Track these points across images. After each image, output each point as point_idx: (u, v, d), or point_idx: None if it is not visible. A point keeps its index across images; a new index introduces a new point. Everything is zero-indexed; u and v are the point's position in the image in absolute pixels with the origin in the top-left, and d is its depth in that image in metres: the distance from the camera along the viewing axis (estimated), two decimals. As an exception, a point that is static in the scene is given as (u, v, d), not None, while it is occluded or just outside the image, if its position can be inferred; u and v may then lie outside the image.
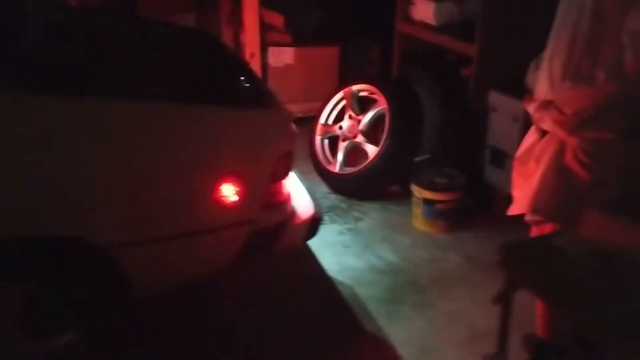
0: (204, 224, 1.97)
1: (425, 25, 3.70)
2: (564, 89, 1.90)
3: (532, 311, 2.08)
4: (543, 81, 2.03)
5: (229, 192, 1.93)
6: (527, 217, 2.10)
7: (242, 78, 2.22)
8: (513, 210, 2.20)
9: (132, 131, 1.78)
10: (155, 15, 4.06)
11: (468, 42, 3.36)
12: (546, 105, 1.98)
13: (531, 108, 2.11)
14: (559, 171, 1.96)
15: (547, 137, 2.04)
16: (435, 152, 3.37)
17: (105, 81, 1.85)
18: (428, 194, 3.13)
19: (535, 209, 2.00)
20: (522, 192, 2.16)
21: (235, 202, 1.95)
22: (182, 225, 1.93)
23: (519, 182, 2.26)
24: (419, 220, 3.21)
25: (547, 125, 2.01)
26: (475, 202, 3.31)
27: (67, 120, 1.70)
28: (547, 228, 2.06)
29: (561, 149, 1.96)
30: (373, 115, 3.50)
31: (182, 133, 1.85)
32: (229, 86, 2.13)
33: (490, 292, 1.92)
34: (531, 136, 2.22)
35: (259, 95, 2.13)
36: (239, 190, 1.94)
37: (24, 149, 1.64)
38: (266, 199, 2.05)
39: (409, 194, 3.27)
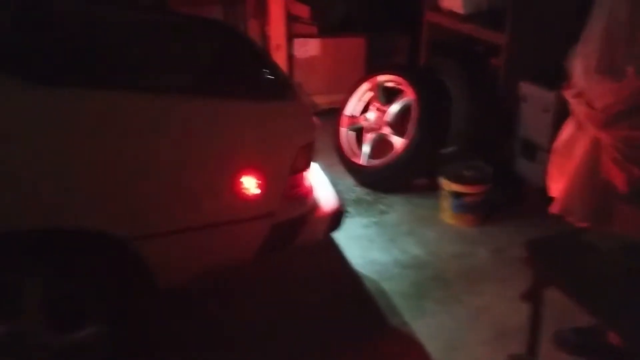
0: (225, 217, 1.95)
1: (453, 14, 3.61)
2: (594, 81, 1.81)
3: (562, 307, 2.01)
4: (578, 69, 1.94)
5: (249, 184, 1.91)
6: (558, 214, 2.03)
7: (264, 70, 2.19)
8: (555, 207, 2.11)
9: (153, 124, 1.77)
10: (183, 7, 4.07)
11: (497, 30, 3.27)
12: (579, 96, 1.89)
13: (569, 95, 2.02)
14: (592, 170, 1.87)
15: (581, 131, 1.95)
16: (463, 144, 3.29)
17: (125, 74, 1.85)
18: (456, 187, 3.06)
19: (566, 210, 1.92)
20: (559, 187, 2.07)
21: (256, 194, 1.93)
22: (202, 218, 1.92)
23: (555, 175, 2.18)
24: (446, 213, 3.15)
25: (580, 117, 1.93)
26: (504, 195, 3.23)
27: (88, 112, 1.70)
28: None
29: (595, 145, 1.87)
30: (400, 107, 3.44)
31: (203, 125, 1.83)
32: (250, 78, 2.10)
33: (519, 287, 1.86)
34: (568, 126, 2.13)
35: (279, 87, 2.10)
36: (260, 183, 1.92)
37: (45, 141, 1.65)
38: (287, 191, 2.02)
39: (436, 187, 3.20)
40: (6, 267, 1.73)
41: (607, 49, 1.80)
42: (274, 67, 2.29)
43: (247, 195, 1.92)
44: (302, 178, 2.07)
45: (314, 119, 2.12)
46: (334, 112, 3.81)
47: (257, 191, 1.93)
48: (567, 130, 2.13)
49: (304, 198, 2.11)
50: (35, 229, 1.71)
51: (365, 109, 3.65)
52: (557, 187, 2.17)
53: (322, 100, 4.34)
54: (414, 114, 3.30)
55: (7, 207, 1.64)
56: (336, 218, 2.26)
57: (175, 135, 1.80)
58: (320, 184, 2.32)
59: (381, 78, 3.56)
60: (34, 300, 1.78)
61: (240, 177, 1.90)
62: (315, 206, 2.17)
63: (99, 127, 1.71)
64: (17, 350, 1.78)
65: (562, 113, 2.72)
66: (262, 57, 2.36)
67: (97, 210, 1.76)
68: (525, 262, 1.59)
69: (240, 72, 2.12)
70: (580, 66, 1.94)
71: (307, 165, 2.09)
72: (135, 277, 1.89)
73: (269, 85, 2.10)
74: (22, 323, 1.78)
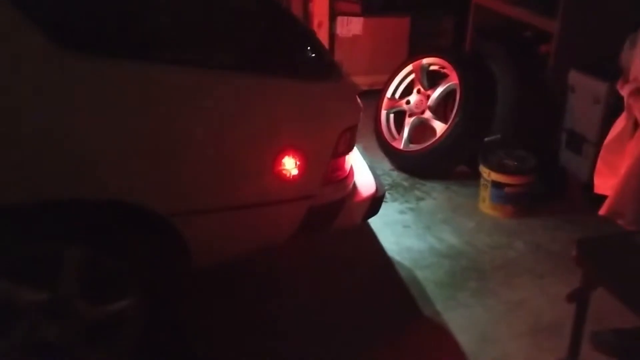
0: (263, 197, 1.93)
1: (503, -3, 3.49)
2: None
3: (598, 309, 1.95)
4: (638, 62, 1.84)
5: (289, 165, 1.88)
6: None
7: (309, 49, 2.14)
8: (604, 209, 2.04)
9: (196, 99, 1.75)
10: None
11: (549, 16, 3.15)
12: (638, 91, 1.80)
13: (624, 91, 1.92)
14: None
15: (638, 129, 1.86)
16: (507, 133, 3.20)
17: (166, 48, 1.83)
18: (497, 176, 2.98)
19: (615, 212, 1.85)
20: (608, 187, 2.00)
21: (295, 176, 1.90)
22: (242, 197, 1.90)
23: (603, 171, 2.10)
24: (485, 203, 3.08)
25: (637, 114, 1.84)
26: (547, 188, 3.14)
27: (132, 84, 1.68)
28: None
29: None
30: (443, 91, 3.36)
31: (244, 103, 1.81)
32: (293, 56, 2.06)
33: (556, 283, 1.80)
34: (621, 122, 2.04)
35: (324, 67, 2.05)
36: (300, 165, 1.89)
37: (89, 111, 1.64)
38: (327, 174, 1.99)
39: (476, 175, 3.13)
40: (47, 236, 1.75)
41: None
42: (319, 47, 2.24)
43: (287, 176, 1.90)
44: (343, 161, 2.04)
45: (359, 101, 2.07)
46: (375, 94, 3.75)
47: (297, 172, 1.90)
48: (620, 125, 2.04)
49: (343, 182, 2.08)
50: (77, 199, 1.72)
51: (407, 92, 3.57)
52: (604, 184, 2.09)
53: (363, 81, 4.25)
54: (457, 100, 3.22)
55: (50, 176, 1.65)
56: (374, 204, 2.23)
57: (218, 112, 1.79)
58: (360, 168, 2.28)
59: (425, 60, 3.48)
60: (72, 270, 1.80)
61: (282, 158, 1.87)
62: (354, 190, 2.14)
63: (142, 100, 1.69)
64: (54, 319, 1.81)
65: (613, 106, 2.62)
66: (308, 36, 2.31)
67: (137, 184, 1.75)
68: (574, 261, 1.53)
69: (286, 50, 2.07)
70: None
71: (350, 149, 2.06)
72: (173, 254, 1.90)
73: (315, 65, 2.06)
74: (60, 292, 1.81)
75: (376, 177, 2.30)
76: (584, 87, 2.99)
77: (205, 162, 1.81)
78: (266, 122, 1.86)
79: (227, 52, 1.95)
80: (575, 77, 3.05)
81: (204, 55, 1.84)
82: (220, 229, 1.93)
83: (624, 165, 1.87)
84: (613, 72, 2.62)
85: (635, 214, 1.82)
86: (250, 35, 2.12)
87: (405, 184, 3.35)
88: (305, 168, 1.91)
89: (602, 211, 2.02)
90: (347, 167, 2.08)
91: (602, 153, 2.12)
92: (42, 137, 1.60)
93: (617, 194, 1.85)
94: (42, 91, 1.58)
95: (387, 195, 3.21)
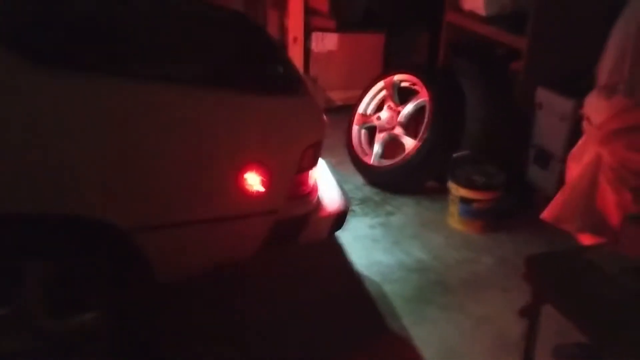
0: (227, 212, 1.94)
1: (474, 15, 3.55)
2: (594, 96, 1.77)
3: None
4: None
5: (253, 180, 1.89)
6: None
7: (276, 64, 2.16)
8: (547, 214, 2.08)
9: (158, 114, 1.76)
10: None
11: (518, 34, 3.21)
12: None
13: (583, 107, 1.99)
14: (590, 184, 1.83)
15: (589, 143, 1.92)
16: (476, 148, 3.24)
17: (130, 62, 1.83)
18: (465, 192, 3.02)
19: (558, 218, 1.89)
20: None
21: (259, 191, 1.91)
22: (205, 212, 1.90)
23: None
24: (454, 218, 3.11)
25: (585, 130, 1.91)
26: (515, 203, 3.18)
27: (91, 100, 1.68)
28: (588, 239, 1.94)
29: (597, 161, 1.83)
30: (413, 107, 3.40)
31: (208, 118, 1.81)
32: (261, 72, 2.07)
33: (523, 298, 1.82)
34: (583, 137, 2.11)
35: (291, 83, 2.07)
36: (264, 180, 1.90)
37: (53, 125, 1.64)
38: (292, 189, 2.00)
39: (445, 191, 3.16)
40: (8, 250, 1.73)
41: (611, 65, 1.76)
42: (287, 63, 2.26)
43: (251, 191, 1.90)
44: (307, 177, 2.05)
45: (324, 117, 2.09)
46: (348, 109, 3.78)
47: (262, 188, 1.91)
48: (582, 140, 2.11)
49: (308, 196, 2.08)
50: (38, 213, 1.70)
51: (379, 108, 3.61)
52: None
53: (338, 96, 4.32)
54: (427, 116, 3.25)
55: (8, 189, 1.64)
56: (340, 218, 2.23)
57: (181, 126, 1.78)
58: (326, 183, 2.29)
59: (396, 77, 3.52)
60: (34, 285, 1.78)
61: (245, 173, 1.88)
62: (319, 205, 2.15)
63: (102, 114, 1.69)
64: (17, 333, 1.79)
65: (579, 123, 2.67)
66: (275, 51, 2.33)
67: (98, 199, 1.75)
68: (524, 277, 1.55)
69: (252, 65, 2.09)
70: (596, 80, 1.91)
71: (314, 164, 2.07)
72: (134, 268, 1.88)
73: (280, 81, 2.07)
74: (22, 306, 1.78)
75: (342, 191, 2.31)
76: (550, 104, 3.05)
77: (167, 177, 1.80)
78: (230, 137, 1.87)
79: (192, 66, 1.96)
80: (542, 95, 3.10)
81: (166, 70, 1.84)
82: (183, 243, 1.92)
83: (574, 174, 1.92)
84: (579, 89, 2.67)
85: (579, 222, 1.86)
86: (216, 50, 2.13)
87: (377, 198, 3.37)
88: (269, 183, 1.92)
89: (544, 215, 2.07)
90: (312, 182, 2.09)
91: (568, 163, 2.17)
92: (1, 150, 1.59)
93: (564, 200, 1.90)
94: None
95: (357, 209, 3.23)
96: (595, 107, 1.78)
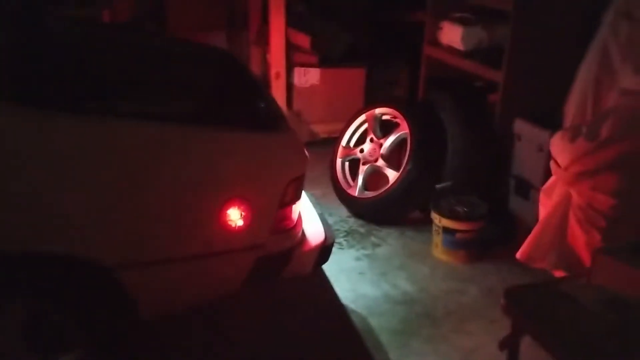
0: (210, 248, 1.93)
1: (452, 50, 3.64)
2: (559, 138, 1.81)
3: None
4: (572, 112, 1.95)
5: (235, 216, 1.90)
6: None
7: (256, 100, 2.19)
8: (521, 254, 2.10)
9: (139, 152, 1.77)
10: (185, 33, 4.11)
11: (495, 68, 3.28)
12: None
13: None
14: (561, 222, 1.86)
15: (556, 180, 1.95)
16: (457, 180, 3.28)
17: (112, 100, 1.85)
18: (448, 223, 3.04)
19: (531, 257, 1.92)
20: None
21: (241, 226, 1.91)
22: (187, 248, 1.90)
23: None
24: (438, 249, 3.13)
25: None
26: (498, 233, 3.20)
27: (73, 139, 1.69)
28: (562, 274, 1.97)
29: (567, 199, 1.87)
30: (395, 140, 3.44)
31: (188, 155, 1.82)
32: (242, 108, 2.10)
33: (508, 328, 1.82)
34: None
35: (271, 118, 2.09)
36: (246, 215, 1.91)
37: (32, 165, 1.64)
38: (274, 224, 2.00)
39: (429, 221, 3.18)
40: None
41: (575, 107, 1.80)
42: (267, 98, 2.29)
43: (234, 227, 1.91)
44: (290, 211, 2.05)
45: (305, 151, 2.11)
46: (332, 142, 3.82)
47: (244, 223, 1.91)
48: (552, 177, 2.13)
49: (291, 231, 2.09)
50: (18, 252, 1.69)
51: (361, 141, 3.65)
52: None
53: (321, 130, 4.36)
54: (408, 148, 3.30)
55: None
56: (324, 251, 2.24)
57: (163, 164, 1.80)
58: (309, 216, 2.30)
59: (378, 110, 3.57)
60: (14, 323, 1.75)
61: (227, 209, 1.88)
62: (302, 239, 2.15)
63: (85, 152, 1.70)
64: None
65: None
66: (256, 86, 2.37)
67: (79, 237, 1.74)
68: (502, 309, 1.57)
69: (233, 102, 2.12)
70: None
71: (297, 198, 2.08)
72: (117, 306, 1.87)
73: (261, 116, 2.10)
74: (2, 346, 1.75)
75: (326, 224, 2.32)
76: (528, 135, 3.11)
77: (150, 214, 1.81)
78: (212, 173, 1.88)
79: (174, 104, 1.99)
80: (520, 126, 3.16)
81: (147, 108, 1.86)
82: (166, 280, 1.91)
83: (545, 212, 1.95)
84: (555, 121, 2.74)
85: (556, 257, 1.88)
86: (199, 87, 2.16)
87: (362, 230, 3.38)
88: (252, 218, 1.92)
89: (518, 255, 2.09)
90: (295, 216, 2.10)
91: (541, 198, 2.19)
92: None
93: (536, 238, 1.92)
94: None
95: (343, 242, 3.24)
96: (561, 149, 1.82)
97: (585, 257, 1.69)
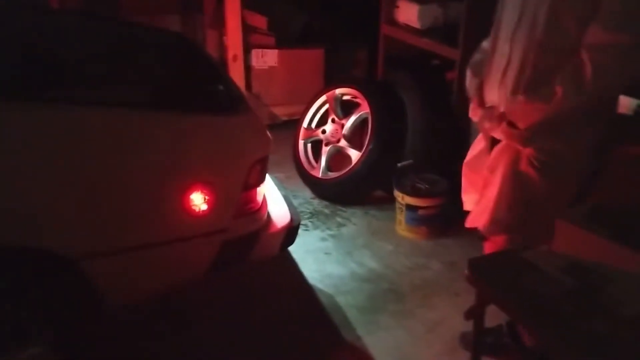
0: (173, 234, 1.92)
1: (409, 29, 3.65)
2: (517, 102, 1.85)
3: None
4: (491, 91, 1.98)
5: (198, 200, 1.88)
6: (482, 230, 2.06)
7: (216, 83, 2.16)
8: (471, 222, 2.15)
9: (97, 139, 1.73)
10: (138, 16, 4.00)
11: (451, 46, 3.32)
12: (498, 117, 1.93)
13: (476, 117, 2.06)
14: (515, 180, 1.91)
15: (500, 146, 1.99)
16: (418, 157, 3.32)
17: (68, 87, 1.80)
18: (410, 200, 3.09)
19: (494, 221, 1.96)
20: (477, 202, 2.12)
21: (205, 211, 1.90)
22: (150, 235, 1.88)
23: (467, 188, 2.24)
24: (401, 226, 3.17)
25: (499, 135, 1.97)
26: (458, 209, 3.26)
27: (30, 127, 1.64)
28: (501, 241, 2.02)
29: (516, 158, 1.92)
30: (356, 120, 3.46)
31: (149, 140, 1.79)
32: (201, 91, 2.07)
33: (472, 300, 1.87)
34: (480, 143, 2.18)
35: (230, 101, 2.07)
36: (209, 199, 1.89)
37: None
38: (239, 207, 1.99)
39: (393, 199, 3.22)
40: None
41: (527, 72, 1.84)
42: (226, 81, 2.27)
43: (197, 211, 1.89)
44: (254, 194, 2.05)
45: (268, 133, 2.10)
46: (294, 124, 3.81)
47: (208, 207, 1.90)
48: (478, 145, 2.18)
49: (256, 214, 2.08)
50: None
51: (323, 122, 3.65)
52: (470, 200, 2.22)
53: (282, 112, 4.33)
54: (370, 127, 3.32)
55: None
56: (290, 233, 2.25)
57: (122, 150, 1.77)
58: (274, 198, 2.30)
59: (338, 91, 3.58)
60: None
61: (190, 194, 1.87)
62: (268, 222, 2.15)
63: (43, 142, 1.66)
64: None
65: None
66: (214, 69, 2.34)
67: (41, 229, 1.70)
68: (468, 280, 1.61)
69: (191, 85, 2.09)
70: (496, 87, 1.96)
71: (261, 181, 2.07)
72: (81, 297, 1.83)
73: (220, 99, 2.07)
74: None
75: (291, 206, 2.32)
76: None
77: (111, 202, 1.77)
78: (174, 158, 1.85)
79: (131, 89, 1.94)
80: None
81: (105, 94, 1.82)
82: (130, 268, 1.88)
83: (494, 181, 1.99)
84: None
85: (513, 221, 1.94)
86: (156, 72, 2.12)
87: (327, 211, 3.40)
88: (215, 202, 1.91)
89: (468, 224, 2.15)
90: (260, 198, 2.09)
91: (464, 171, 2.25)
92: None
93: (494, 206, 1.97)
94: None
95: (308, 223, 3.25)
96: (527, 112, 1.86)
97: (546, 215, 1.73)
